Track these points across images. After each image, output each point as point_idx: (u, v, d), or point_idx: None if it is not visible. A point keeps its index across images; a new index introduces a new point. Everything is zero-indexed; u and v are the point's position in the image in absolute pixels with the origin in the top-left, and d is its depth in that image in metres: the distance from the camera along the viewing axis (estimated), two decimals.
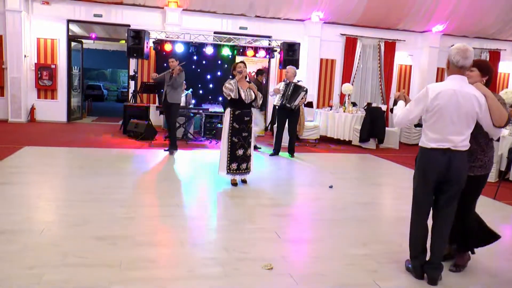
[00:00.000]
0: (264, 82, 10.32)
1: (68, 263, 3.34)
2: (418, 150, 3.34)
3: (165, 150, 8.42)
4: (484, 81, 3.35)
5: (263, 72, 10.39)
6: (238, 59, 11.87)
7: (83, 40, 13.68)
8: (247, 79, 6.15)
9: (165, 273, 3.27)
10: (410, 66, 14.36)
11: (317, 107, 13.07)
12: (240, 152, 6.05)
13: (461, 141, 3.13)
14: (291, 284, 3.19)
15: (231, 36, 11.90)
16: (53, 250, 3.56)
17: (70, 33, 12.35)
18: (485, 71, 3.36)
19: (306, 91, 8.65)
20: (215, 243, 3.99)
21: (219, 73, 12.41)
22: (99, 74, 30.88)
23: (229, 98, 6.00)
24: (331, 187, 6.36)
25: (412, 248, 3.41)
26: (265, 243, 4.04)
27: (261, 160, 8.17)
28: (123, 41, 13.26)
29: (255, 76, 10.26)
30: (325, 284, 3.23)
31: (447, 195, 3.24)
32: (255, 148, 9.43)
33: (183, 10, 12.17)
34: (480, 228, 3.57)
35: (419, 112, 3.24)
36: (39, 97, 12.14)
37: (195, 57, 11.89)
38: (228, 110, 6.06)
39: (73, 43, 12.59)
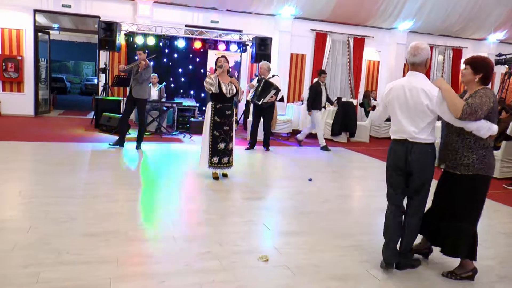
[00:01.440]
0: (324, 82, 9.66)
1: (63, 260, 3.30)
2: None
3: (136, 148, 8.12)
4: (477, 78, 3.27)
5: (325, 72, 9.89)
6: (210, 52, 11.88)
7: (50, 31, 13.25)
8: (229, 74, 6.19)
9: (163, 268, 3.29)
10: (378, 62, 14.73)
11: (288, 101, 13.21)
12: (222, 145, 6.09)
13: (417, 133, 3.28)
14: (289, 275, 3.29)
15: (202, 30, 11.84)
16: (45, 248, 3.50)
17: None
18: (478, 68, 3.28)
19: (277, 90, 8.56)
20: (207, 237, 4.02)
21: (190, 67, 12.36)
22: (61, 66, 29.93)
23: (210, 92, 6.03)
24: (310, 180, 6.50)
25: (384, 235, 3.54)
26: (256, 235, 4.13)
27: (237, 154, 8.21)
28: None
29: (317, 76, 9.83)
30: (321, 275, 3.34)
31: (411, 187, 3.40)
32: (325, 148, 9.48)
33: (155, 2, 11.99)
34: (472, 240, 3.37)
35: (382, 108, 3.61)
36: (4, 89, 11.66)
37: (166, 50, 11.77)
38: (210, 104, 6.09)
39: (39, 34, 12.17)
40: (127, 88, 11.11)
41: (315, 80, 9.93)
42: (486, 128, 3.17)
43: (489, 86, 3.35)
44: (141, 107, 8.15)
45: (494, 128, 3.19)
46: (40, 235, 3.77)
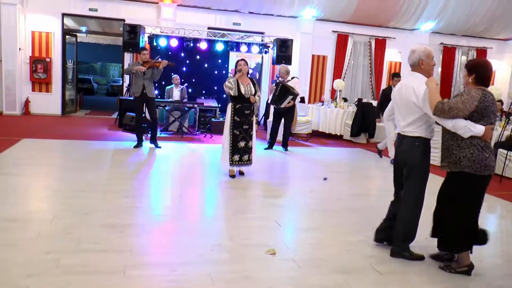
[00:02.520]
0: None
1: (82, 248, 3.52)
2: None
3: (156, 147, 8.34)
4: (471, 79, 3.31)
5: (398, 75, 8.84)
6: (232, 54, 12.09)
7: (77, 34, 13.72)
8: (248, 75, 6.41)
9: (175, 258, 3.46)
10: (400, 63, 14.63)
11: (309, 102, 13.30)
12: (242, 144, 6.28)
13: (405, 127, 3.61)
14: (294, 268, 3.42)
15: (224, 32, 12.05)
16: (66, 237, 3.73)
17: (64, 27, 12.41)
18: (469, 70, 3.35)
19: (294, 95, 8.37)
20: (220, 231, 4.20)
21: (212, 68, 12.59)
22: (89, 68, 30.70)
23: (229, 95, 6.23)
24: (325, 179, 6.60)
25: None
26: (266, 231, 4.26)
27: (256, 154, 8.35)
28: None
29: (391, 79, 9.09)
30: (325, 268, 3.46)
31: (403, 176, 3.69)
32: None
33: (178, 5, 12.28)
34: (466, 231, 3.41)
35: None
36: (33, 90, 12.19)
37: (189, 52, 12.03)
38: (230, 104, 6.29)
39: (67, 37, 12.63)
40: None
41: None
42: (464, 128, 3.20)
43: (489, 87, 3.39)
44: (153, 105, 8.30)
45: (477, 129, 3.18)
46: (62, 225, 4.01)
